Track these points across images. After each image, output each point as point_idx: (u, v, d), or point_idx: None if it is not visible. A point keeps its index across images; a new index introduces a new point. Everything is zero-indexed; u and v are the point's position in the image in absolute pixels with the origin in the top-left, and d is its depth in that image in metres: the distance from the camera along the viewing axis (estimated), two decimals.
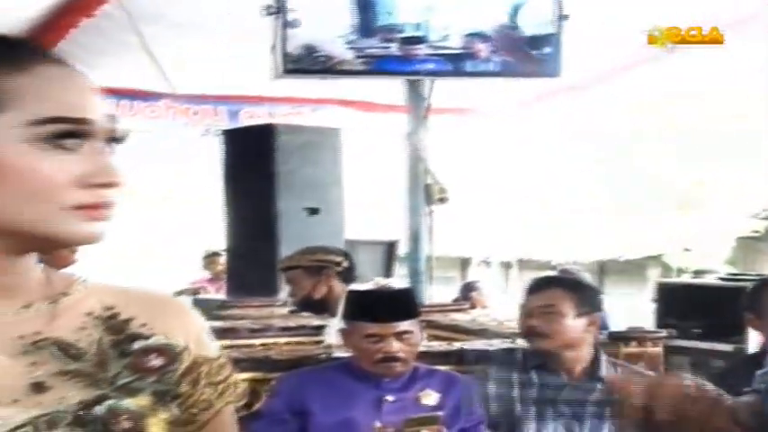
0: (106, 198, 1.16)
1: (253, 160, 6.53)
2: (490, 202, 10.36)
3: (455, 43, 6.00)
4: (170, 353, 1.25)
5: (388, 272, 7.31)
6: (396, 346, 3.31)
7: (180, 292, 8.19)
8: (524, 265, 10.21)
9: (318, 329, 4.23)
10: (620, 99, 9.59)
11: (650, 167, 10.81)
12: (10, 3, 6.83)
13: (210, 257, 9.38)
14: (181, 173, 10.22)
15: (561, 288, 3.60)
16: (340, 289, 4.58)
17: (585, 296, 3.61)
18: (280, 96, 9.17)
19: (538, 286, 3.72)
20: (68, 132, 1.16)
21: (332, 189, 6.48)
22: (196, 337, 1.30)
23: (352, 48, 5.96)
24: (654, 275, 10.19)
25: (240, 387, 1.33)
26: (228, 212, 6.80)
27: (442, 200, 6.19)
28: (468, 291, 7.58)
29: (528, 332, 3.59)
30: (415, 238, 6.24)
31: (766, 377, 2.54)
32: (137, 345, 1.23)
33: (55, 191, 1.14)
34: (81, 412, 1.14)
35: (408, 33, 6.00)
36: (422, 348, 3.92)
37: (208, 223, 9.22)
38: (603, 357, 3.58)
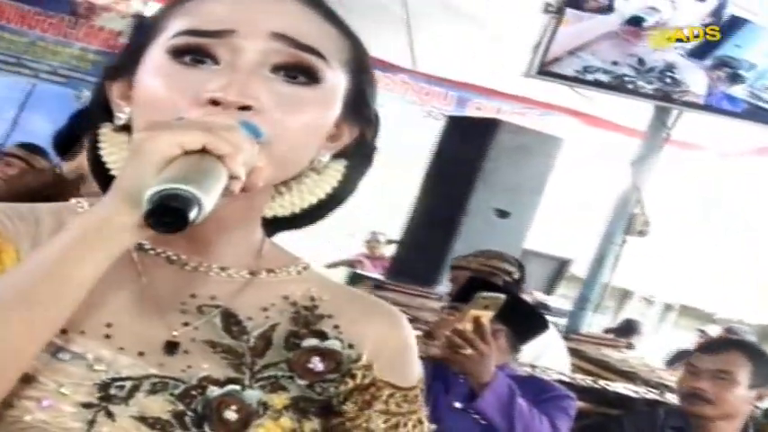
0: (228, 120, 0.95)
1: (464, 151, 6.26)
2: (670, 241, 9.90)
3: None
4: (337, 361, 1.08)
5: (550, 289, 6.98)
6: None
7: (335, 264, 8.26)
8: (685, 311, 9.73)
9: None
10: None
11: None
12: None
13: (375, 238, 9.10)
14: (388, 145, 10.16)
15: (743, 354, 3.19)
16: None
17: (765, 367, 3.20)
18: (512, 94, 8.99)
19: (716, 346, 3.38)
20: (193, 45, 1.00)
21: (530, 196, 6.21)
22: (390, 357, 1.11)
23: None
24: None
25: (421, 428, 1.13)
26: (419, 196, 6.61)
27: (641, 232, 5.86)
28: (627, 329, 7.17)
29: (691, 393, 3.19)
30: (599, 264, 5.98)
31: None
32: (308, 341, 1.08)
33: (167, 106, 0.98)
34: (196, 387, 1.00)
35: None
36: (564, 378, 3.79)
37: (379, 202, 8.78)
38: None
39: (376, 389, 1.10)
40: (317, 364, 1.07)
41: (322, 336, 1.08)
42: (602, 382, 4.15)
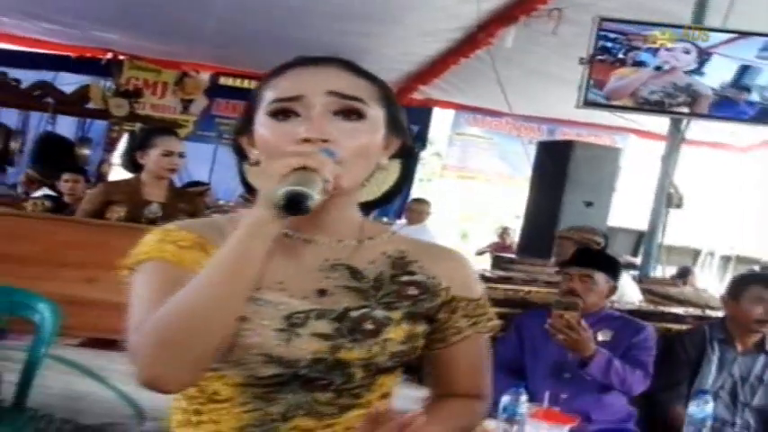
0: (313, 149, 1.18)
1: (554, 164, 6.84)
2: (726, 207, 10.26)
3: None
4: (425, 287, 1.30)
5: (635, 252, 7.34)
6: (578, 285, 3.33)
7: (482, 251, 9.36)
8: (741, 260, 9.56)
9: None
10: None
11: None
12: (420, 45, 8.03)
13: (506, 231, 10.00)
14: (504, 166, 10.45)
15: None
16: None
17: None
18: (585, 122, 9.62)
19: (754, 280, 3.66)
20: (282, 108, 1.23)
21: (605, 190, 6.85)
22: (461, 281, 1.34)
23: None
24: None
25: (492, 323, 1.36)
26: (529, 198, 7.22)
27: (678, 205, 6.21)
28: (683, 273, 7.67)
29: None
30: (651, 231, 6.33)
31: None
32: (404, 278, 1.29)
33: (276, 147, 1.21)
34: (343, 312, 1.23)
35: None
36: (632, 307, 4.11)
37: (510, 202, 9.86)
38: None
39: (456, 302, 1.33)
40: (412, 290, 1.30)
41: (412, 273, 1.31)
42: (661, 308, 4.39)
